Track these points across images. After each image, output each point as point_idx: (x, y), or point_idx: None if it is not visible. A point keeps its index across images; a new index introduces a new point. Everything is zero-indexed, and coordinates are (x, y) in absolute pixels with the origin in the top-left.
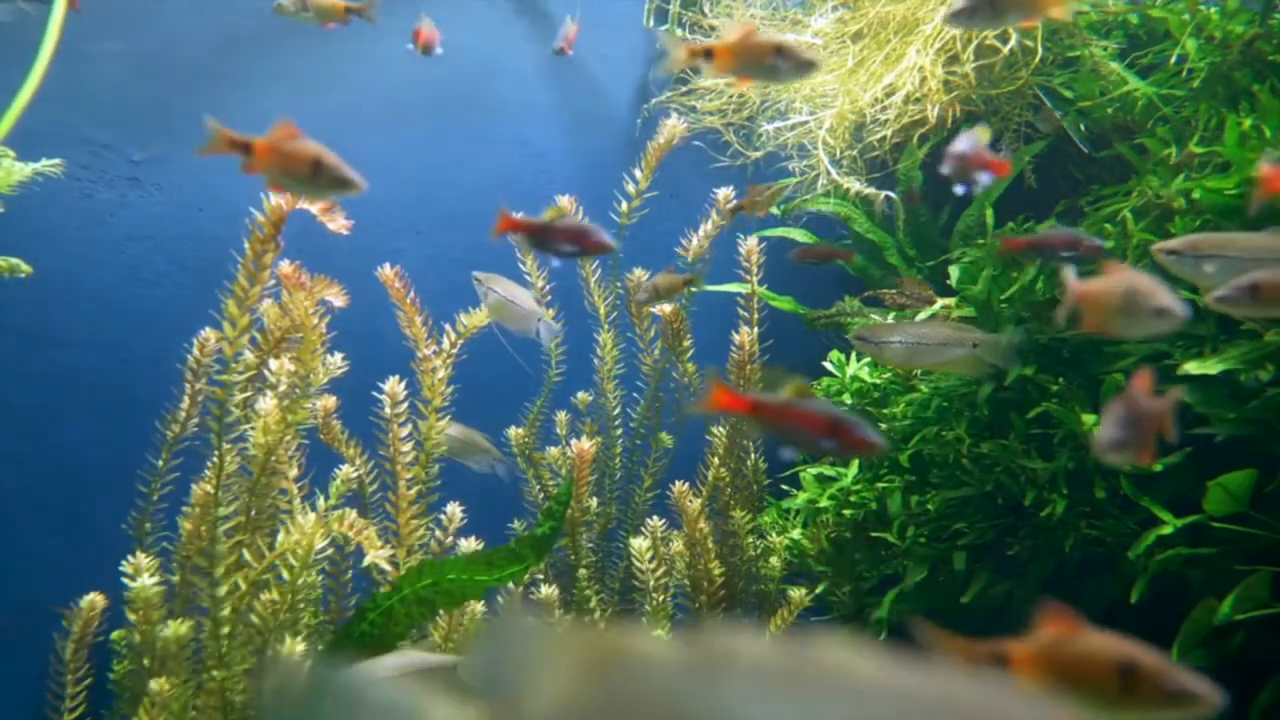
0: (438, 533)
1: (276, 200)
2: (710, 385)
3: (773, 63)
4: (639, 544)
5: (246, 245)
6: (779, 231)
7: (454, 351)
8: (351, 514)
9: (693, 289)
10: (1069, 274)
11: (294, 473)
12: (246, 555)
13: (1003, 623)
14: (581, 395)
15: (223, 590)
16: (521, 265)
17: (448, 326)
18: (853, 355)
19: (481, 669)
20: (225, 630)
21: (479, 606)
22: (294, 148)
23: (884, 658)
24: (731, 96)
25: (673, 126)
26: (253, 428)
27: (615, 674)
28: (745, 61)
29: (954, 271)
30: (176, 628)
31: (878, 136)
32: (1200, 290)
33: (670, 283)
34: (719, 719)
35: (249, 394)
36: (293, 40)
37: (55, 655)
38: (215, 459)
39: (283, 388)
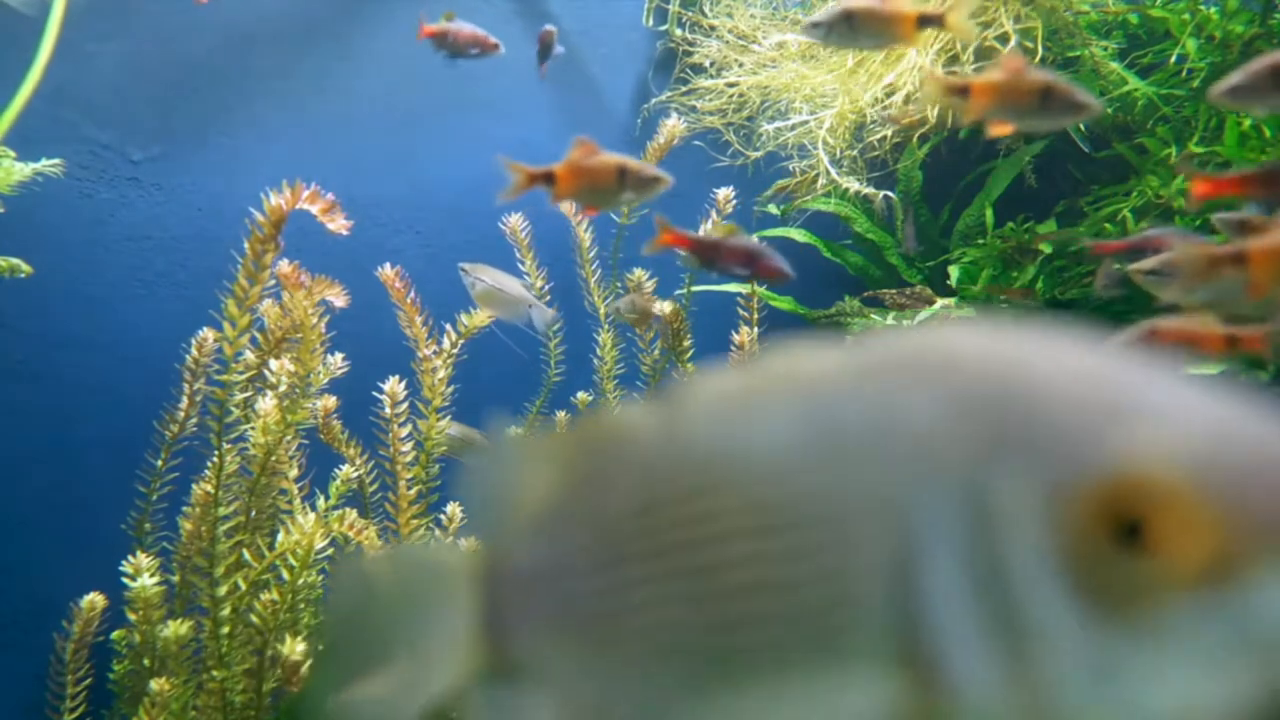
0: (438, 533)
1: (276, 200)
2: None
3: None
4: None
5: (246, 245)
6: (778, 231)
7: (454, 351)
8: (351, 514)
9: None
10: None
11: (294, 473)
12: (246, 555)
13: None
14: (581, 395)
15: (223, 590)
16: (521, 264)
17: (448, 326)
18: None
19: (471, 499)
20: (225, 630)
21: None
22: (596, 163)
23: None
24: (731, 96)
25: (673, 126)
26: (252, 428)
27: (594, 458)
28: (1006, 101)
29: (954, 271)
30: (176, 628)
31: (878, 136)
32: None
33: (644, 303)
34: (683, 463)
35: (249, 394)
36: (293, 40)
37: (55, 655)
38: (215, 459)
39: (283, 388)
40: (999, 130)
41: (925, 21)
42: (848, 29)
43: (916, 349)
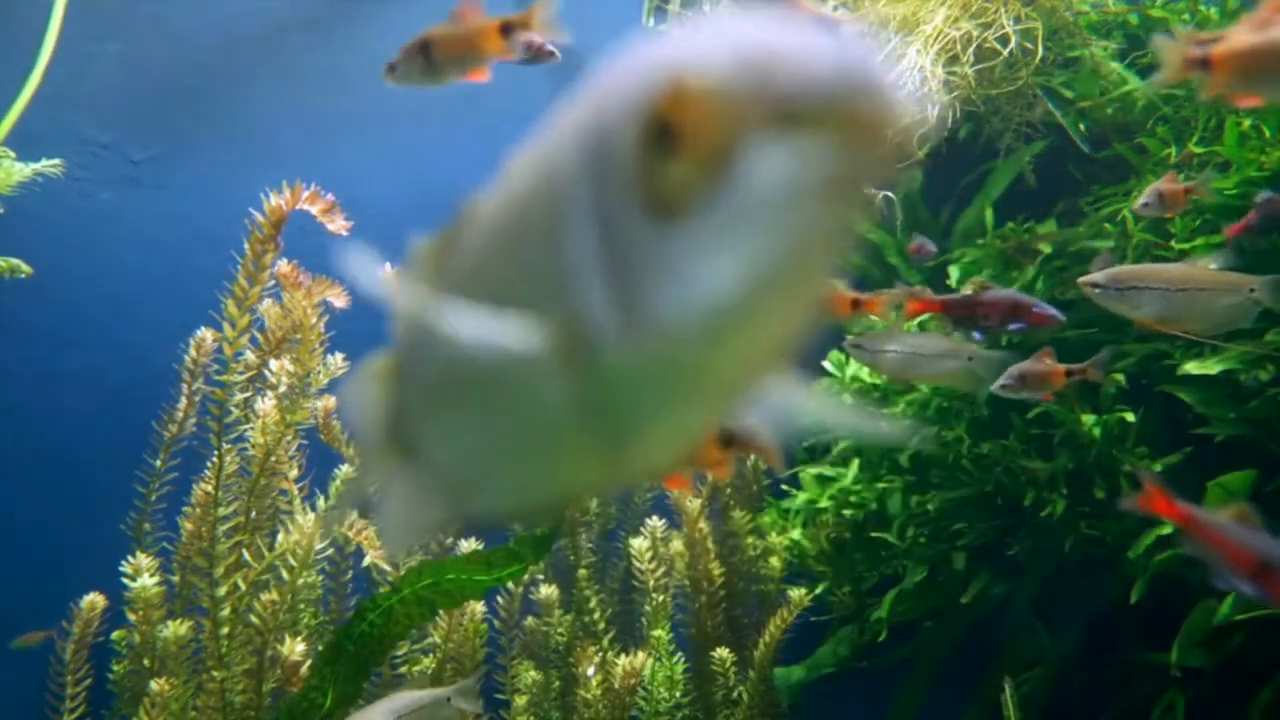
0: (437, 533)
1: (276, 200)
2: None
3: None
4: (639, 544)
5: (246, 245)
6: None
7: None
8: (351, 514)
9: None
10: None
11: (294, 473)
12: (246, 555)
13: (1003, 623)
14: None
15: (223, 590)
16: None
17: None
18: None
19: (351, 424)
20: (225, 630)
21: (479, 606)
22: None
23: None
24: None
25: None
26: (252, 428)
27: (408, 356)
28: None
29: (954, 271)
30: (176, 628)
31: None
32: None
33: None
34: (439, 330)
35: (249, 394)
36: (293, 40)
37: (55, 655)
38: (215, 459)
39: (283, 388)
40: (1248, 101)
41: (508, 28)
42: (427, 68)
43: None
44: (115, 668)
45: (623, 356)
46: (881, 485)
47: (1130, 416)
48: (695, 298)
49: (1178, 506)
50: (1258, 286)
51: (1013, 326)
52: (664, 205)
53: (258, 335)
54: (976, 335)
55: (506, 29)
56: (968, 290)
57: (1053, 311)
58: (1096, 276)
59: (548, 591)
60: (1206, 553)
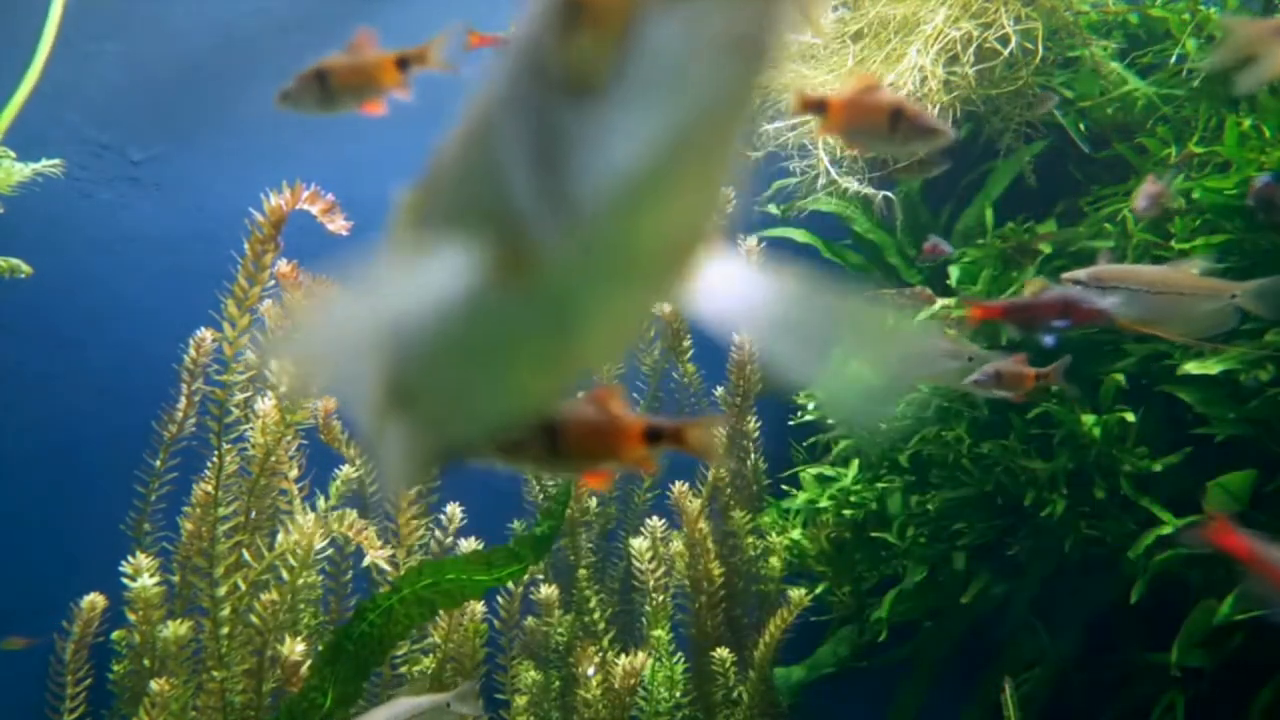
0: (437, 533)
1: (276, 200)
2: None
3: None
4: (639, 544)
5: (246, 245)
6: (779, 231)
7: None
8: (351, 514)
9: None
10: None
11: (294, 473)
12: (246, 555)
13: (1003, 623)
14: (581, 395)
15: (223, 590)
16: None
17: None
18: None
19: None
20: (225, 630)
21: (479, 606)
22: (872, 100)
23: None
24: None
25: None
26: (252, 428)
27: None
28: None
29: (954, 271)
30: (176, 628)
31: None
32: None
33: None
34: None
35: (249, 394)
36: (293, 40)
37: (55, 655)
38: (215, 459)
39: (283, 388)
40: None
41: (404, 62)
42: (321, 96)
43: None
44: (115, 668)
45: (558, 245)
46: (881, 485)
47: (1130, 416)
48: (613, 170)
49: (1243, 541)
50: (1239, 293)
51: (1063, 324)
52: (578, 81)
53: (258, 335)
54: (1048, 340)
55: (403, 63)
56: (1028, 292)
57: (1099, 305)
58: (1079, 273)
59: (548, 591)
60: (1270, 589)
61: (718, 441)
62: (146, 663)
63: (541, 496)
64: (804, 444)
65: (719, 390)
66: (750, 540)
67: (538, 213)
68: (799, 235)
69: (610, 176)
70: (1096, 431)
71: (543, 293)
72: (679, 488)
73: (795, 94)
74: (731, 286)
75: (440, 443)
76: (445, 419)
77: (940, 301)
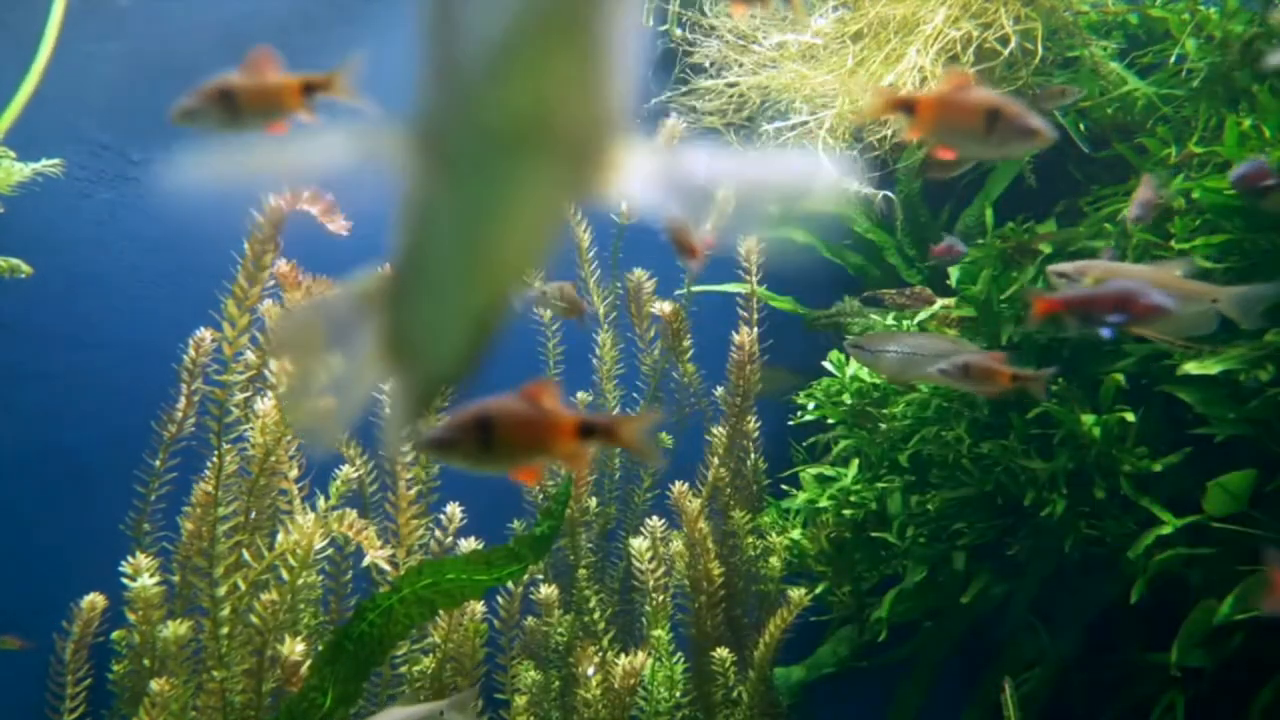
0: (437, 533)
1: (276, 201)
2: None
3: None
4: (639, 544)
5: (246, 245)
6: (779, 231)
7: None
8: (351, 514)
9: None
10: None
11: (294, 473)
12: (246, 555)
13: (1003, 623)
14: (581, 395)
15: (223, 590)
16: None
17: None
18: None
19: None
20: (225, 630)
21: (479, 606)
22: (965, 99)
23: None
24: (731, 97)
25: (673, 126)
26: (252, 428)
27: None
28: None
29: (954, 271)
30: (176, 628)
31: (877, 136)
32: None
33: (572, 291)
34: None
35: (249, 394)
36: (293, 41)
37: (55, 655)
38: (215, 459)
39: (283, 388)
40: None
41: (310, 88)
42: (226, 116)
43: None
44: (115, 668)
45: (447, 116)
46: (881, 485)
47: (1130, 416)
48: (477, 41)
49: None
50: (1221, 298)
51: (1120, 318)
52: None
53: (258, 335)
54: (1106, 333)
55: (309, 89)
56: (1088, 282)
57: (1160, 300)
58: (1065, 267)
59: (548, 591)
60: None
61: (649, 437)
62: (146, 663)
63: (541, 496)
64: (804, 444)
65: (719, 390)
66: (750, 540)
67: (431, 87)
68: (799, 235)
69: (476, 45)
70: (1096, 431)
71: (453, 174)
72: (679, 488)
73: (879, 93)
74: (653, 170)
75: (425, 375)
76: (423, 357)
77: (940, 301)
